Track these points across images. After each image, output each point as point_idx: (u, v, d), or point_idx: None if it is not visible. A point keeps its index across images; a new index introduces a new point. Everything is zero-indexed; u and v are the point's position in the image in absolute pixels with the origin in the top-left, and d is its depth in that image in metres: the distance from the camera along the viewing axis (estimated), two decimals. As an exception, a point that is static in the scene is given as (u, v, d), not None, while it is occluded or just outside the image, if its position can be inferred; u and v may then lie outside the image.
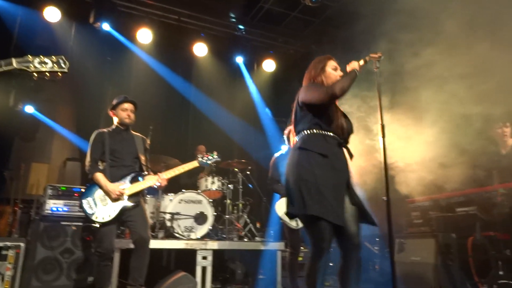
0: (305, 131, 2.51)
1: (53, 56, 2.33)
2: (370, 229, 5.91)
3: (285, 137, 4.52)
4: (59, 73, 2.35)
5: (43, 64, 2.30)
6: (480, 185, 4.08)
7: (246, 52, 7.65)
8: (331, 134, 2.48)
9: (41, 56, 2.30)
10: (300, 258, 4.53)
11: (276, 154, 4.58)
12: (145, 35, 6.69)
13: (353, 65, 2.55)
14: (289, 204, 2.44)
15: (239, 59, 7.73)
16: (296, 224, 4.08)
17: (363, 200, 2.52)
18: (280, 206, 4.20)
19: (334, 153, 2.44)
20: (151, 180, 3.64)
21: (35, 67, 2.28)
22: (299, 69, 7.60)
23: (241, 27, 7.31)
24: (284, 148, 4.67)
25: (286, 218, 4.06)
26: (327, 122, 2.48)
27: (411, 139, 4.21)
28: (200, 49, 7.18)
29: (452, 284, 4.16)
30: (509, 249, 3.99)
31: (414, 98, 4.16)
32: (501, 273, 3.84)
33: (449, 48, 3.95)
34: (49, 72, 2.31)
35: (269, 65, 7.82)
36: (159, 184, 3.66)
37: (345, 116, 2.61)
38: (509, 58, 3.54)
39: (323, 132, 2.47)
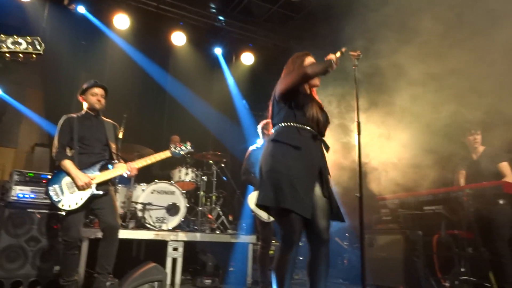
0: (280, 124, 2.54)
1: (27, 37, 2.23)
2: (340, 224, 6.04)
3: (259, 130, 4.52)
4: (33, 55, 2.25)
5: (16, 45, 2.20)
6: (448, 185, 4.22)
7: (225, 43, 7.60)
8: (306, 127, 2.49)
9: (15, 36, 2.20)
10: (271, 252, 4.57)
11: (251, 147, 4.57)
12: (122, 21, 6.53)
13: (330, 57, 2.55)
14: (260, 195, 2.43)
15: (218, 51, 7.67)
16: (267, 217, 4.09)
17: (335, 196, 2.53)
18: (252, 198, 4.20)
19: (308, 145, 2.44)
20: (121, 169, 3.56)
21: (7, 47, 2.18)
22: (278, 64, 7.63)
23: (221, 18, 7.23)
24: (259, 142, 4.67)
25: (258, 211, 4.07)
26: (301, 115, 2.49)
27: (385, 139, 4.30)
28: (178, 38, 7.06)
29: (416, 280, 4.30)
30: (472, 247, 4.15)
31: (390, 100, 4.23)
32: (463, 270, 3.99)
33: (425, 50, 4.04)
34: (23, 53, 2.21)
35: (247, 58, 7.78)
36: (128, 173, 3.58)
37: (321, 109, 2.62)
38: (483, 61, 3.66)
39: (297, 124, 2.48)
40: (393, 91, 4.20)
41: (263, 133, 4.47)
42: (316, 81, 2.65)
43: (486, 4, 3.71)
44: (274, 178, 2.36)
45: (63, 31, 6.19)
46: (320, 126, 2.56)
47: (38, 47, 2.27)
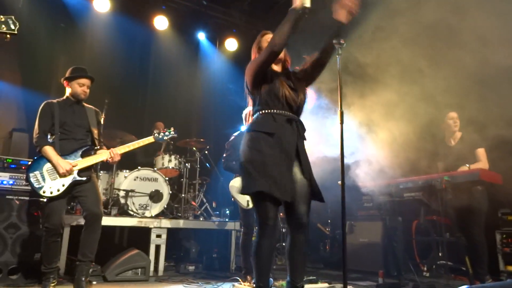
0: (257, 113, 2.53)
1: (1, 16, 2.14)
2: (323, 211, 6.13)
3: (243, 117, 4.52)
4: (7, 35, 2.17)
5: None
6: (427, 173, 4.31)
7: (208, 28, 7.49)
8: (281, 111, 2.46)
9: None
10: (253, 238, 4.61)
11: (235, 134, 4.57)
12: (102, 3, 6.36)
13: (295, 4, 2.38)
14: (242, 183, 2.44)
15: (201, 36, 7.57)
16: (247, 204, 4.13)
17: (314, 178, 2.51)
18: (234, 185, 4.23)
19: (283, 130, 2.42)
20: (103, 155, 3.51)
21: None
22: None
23: (204, 2, 7.12)
24: (242, 128, 4.66)
25: (238, 198, 4.12)
26: (274, 99, 2.46)
27: (367, 129, 4.35)
28: (161, 22, 6.92)
29: (396, 264, 4.42)
30: (449, 233, 4.28)
31: (373, 92, 4.27)
32: (440, 254, 4.13)
33: (407, 44, 4.09)
34: None
35: (231, 44, 7.70)
36: (111, 159, 3.54)
37: (294, 88, 2.55)
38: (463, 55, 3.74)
39: (271, 110, 2.46)
40: (377, 83, 4.24)
41: (246, 120, 4.46)
42: (281, 55, 2.53)
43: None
44: (249, 168, 2.36)
45: (41, 13, 5.98)
46: (294, 106, 2.51)
47: (12, 26, 2.19)
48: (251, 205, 4.14)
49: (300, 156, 2.47)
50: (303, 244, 2.43)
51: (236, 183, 4.25)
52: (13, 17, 2.22)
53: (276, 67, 2.63)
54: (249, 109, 4.44)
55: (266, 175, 2.30)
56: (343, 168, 2.48)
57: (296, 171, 2.45)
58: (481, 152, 4.14)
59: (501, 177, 3.99)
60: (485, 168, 4.01)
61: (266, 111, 2.47)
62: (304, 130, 2.55)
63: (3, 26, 2.14)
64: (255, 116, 2.55)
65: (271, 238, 2.36)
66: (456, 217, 4.10)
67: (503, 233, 4.43)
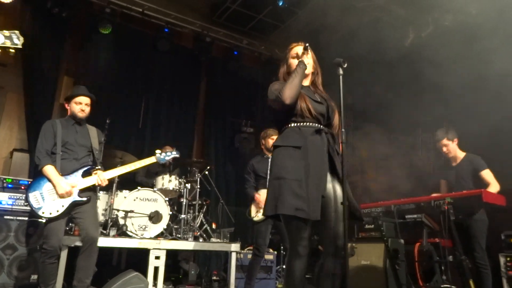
0: (282, 128, 2.45)
1: (5, 31, 2.17)
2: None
3: (260, 140, 4.61)
4: (11, 49, 2.19)
5: None
6: (429, 193, 4.29)
7: (210, 50, 7.59)
8: (306, 123, 2.36)
9: None
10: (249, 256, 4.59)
11: (252, 160, 4.67)
12: (106, 26, 6.45)
13: (297, 61, 2.45)
14: (265, 203, 2.33)
15: (203, 57, 7.65)
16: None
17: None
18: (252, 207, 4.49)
19: (310, 142, 2.30)
20: (94, 178, 3.47)
21: None
22: (263, 72, 7.71)
23: (206, 25, 7.24)
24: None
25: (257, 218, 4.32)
26: (299, 112, 2.36)
27: (370, 151, 4.37)
28: (163, 44, 7.02)
29: (399, 288, 4.33)
30: (452, 255, 4.22)
31: (379, 116, 4.31)
32: (444, 277, 4.05)
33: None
34: (0, 47, 2.16)
35: (233, 66, 7.78)
36: (100, 183, 3.49)
37: (319, 101, 2.46)
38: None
39: (297, 124, 2.37)
40: (383, 108, 4.28)
41: (262, 144, 4.57)
42: (309, 69, 2.51)
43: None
44: (276, 185, 2.25)
45: (46, 35, 6.08)
46: (322, 119, 2.40)
47: (16, 40, 2.21)
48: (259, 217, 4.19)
49: (337, 169, 2.32)
50: (338, 271, 2.25)
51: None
52: (17, 32, 2.24)
53: (304, 81, 2.55)
54: (264, 132, 4.54)
55: (291, 194, 2.17)
56: (345, 189, 2.43)
57: (332, 186, 2.30)
58: (487, 173, 4.12)
59: (504, 199, 3.96)
60: (497, 190, 3.98)
61: (292, 124, 2.39)
62: (337, 142, 2.41)
63: (7, 40, 2.17)
64: (282, 130, 2.46)
65: (304, 259, 2.20)
66: (459, 239, 4.05)
67: (507, 256, 4.36)
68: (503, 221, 4.19)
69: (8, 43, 2.17)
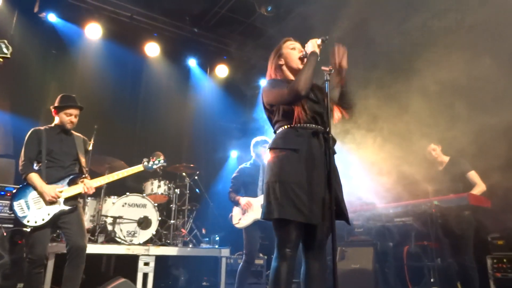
0: (278, 129, 2.38)
1: None
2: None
3: (251, 148, 4.59)
4: (0, 59, 2.17)
5: None
6: (418, 197, 4.35)
7: (199, 55, 7.59)
8: (305, 124, 2.29)
9: None
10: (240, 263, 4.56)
11: (242, 166, 4.64)
12: (94, 30, 6.42)
13: (312, 46, 2.34)
14: (263, 209, 2.27)
15: (192, 62, 7.65)
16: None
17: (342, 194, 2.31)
18: (235, 214, 4.43)
19: (308, 145, 2.25)
20: (80, 187, 3.42)
21: None
22: (252, 77, 7.73)
23: (195, 30, 7.24)
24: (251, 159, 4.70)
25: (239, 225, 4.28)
26: (296, 114, 2.29)
27: (359, 154, 4.40)
28: (152, 49, 7.00)
29: (388, 291, 4.36)
30: (440, 258, 4.26)
31: (367, 119, 4.35)
32: (432, 280, 4.09)
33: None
34: None
35: (222, 71, 7.80)
36: (86, 191, 3.46)
37: (317, 101, 2.39)
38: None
39: (294, 125, 2.29)
40: (371, 112, 4.32)
41: (254, 151, 4.55)
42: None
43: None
44: (273, 189, 2.20)
45: (33, 39, 6.02)
46: (319, 119, 2.34)
47: (5, 50, 2.19)
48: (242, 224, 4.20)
49: (330, 172, 2.23)
50: (323, 271, 2.24)
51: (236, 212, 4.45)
52: (5, 40, 2.23)
53: None
54: (255, 139, 4.53)
55: (290, 198, 2.13)
56: (332, 194, 2.41)
57: (323, 189, 2.23)
58: (473, 175, 4.21)
59: (489, 201, 4.02)
60: (484, 190, 4.06)
61: (288, 125, 2.32)
62: (334, 142, 2.35)
63: None
64: (277, 132, 2.39)
65: (291, 263, 2.17)
66: (447, 242, 4.10)
67: (494, 258, 4.41)
68: (490, 223, 4.25)
69: None
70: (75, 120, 3.53)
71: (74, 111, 3.51)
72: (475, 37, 4.10)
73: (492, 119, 3.84)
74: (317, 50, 2.34)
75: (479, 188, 4.10)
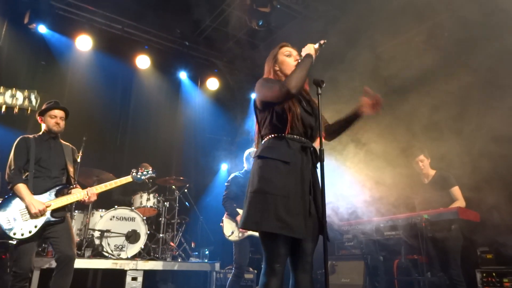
0: (267, 137, 2.32)
1: (25, 90, 2.21)
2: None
3: (244, 158, 4.56)
4: (27, 111, 2.25)
5: (13, 98, 2.26)
6: (408, 211, 4.36)
7: (190, 68, 7.61)
8: (295, 136, 2.27)
9: (14, 88, 2.22)
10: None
11: (234, 174, 4.60)
12: (84, 42, 6.40)
13: (308, 49, 2.35)
14: (244, 218, 2.19)
15: (183, 75, 7.67)
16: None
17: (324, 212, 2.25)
18: (227, 225, 4.35)
19: (298, 159, 2.22)
20: (78, 195, 3.39)
21: (5, 102, 2.27)
22: (243, 90, 7.77)
23: (186, 43, 7.28)
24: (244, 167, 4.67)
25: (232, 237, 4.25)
26: (286, 121, 2.26)
27: (348, 168, 4.42)
28: (143, 62, 7.00)
29: (378, 305, 4.34)
30: (430, 272, 4.26)
31: (357, 133, 4.39)
32: (422, 294, 4.08)
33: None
34: (18, 108, 2.22)
35: (212, 83, 7.82)
36: (87, 198, 3.41)
37: (310, 112, 2.37)
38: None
39: (285, 135, 2.26)
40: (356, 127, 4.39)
41: (247, 163, 4.53)
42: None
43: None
44: (260, 200, 2.14)
45: (22, 50, 5.97)
46: (309, 131, 2.33)
47: (33, 102, 2.32)
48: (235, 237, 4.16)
49: (315, 187, 2.23)
50: (312, 284, 2.22)
51: (227, 223, 4.38)
52: (36, 91, 2.39)
53: None
54: (250, 150, 4.50)
55: (278, 211, 2.08)
56: (324, 207, 2.40)
57: (310, 203, 2.19)
58: (456, 190, 4.26)
59: (478, 216, 4.05)
60: (463, 206, 4.09)
61: (279, 134, 2.28)
62: (317, 159, 2.30)
63: (26, 101, 2.35)
64: (265, 139, 2.32)
65: (280, 277, 2.12)
66: (436, 256, 4.11)
67: (483, 272, 4.43)
68: (479, 237, 4.27)
69: (26, 104, 2.24)
70: (61, 122, 3.45)
71: (59, 113, 3.45)
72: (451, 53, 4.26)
73: (478, 132, 3.92)
74: (313, 54, 2.34)
75: (459, 204, 4.14)
